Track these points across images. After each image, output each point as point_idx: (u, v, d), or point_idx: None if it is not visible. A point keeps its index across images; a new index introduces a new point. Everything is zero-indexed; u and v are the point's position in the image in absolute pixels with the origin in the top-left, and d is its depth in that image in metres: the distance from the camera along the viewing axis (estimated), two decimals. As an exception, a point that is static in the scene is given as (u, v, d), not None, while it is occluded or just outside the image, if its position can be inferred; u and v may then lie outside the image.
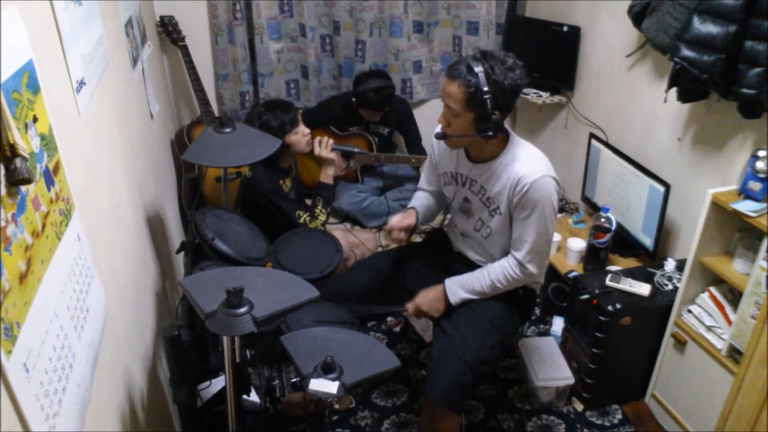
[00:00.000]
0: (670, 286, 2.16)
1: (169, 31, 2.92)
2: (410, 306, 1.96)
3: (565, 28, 2.93)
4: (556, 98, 3.09)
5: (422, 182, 2.17)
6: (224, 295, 1.19)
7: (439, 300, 1.92)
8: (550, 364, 2.28)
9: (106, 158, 1.57)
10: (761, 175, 1.76)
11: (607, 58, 2.74)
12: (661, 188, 2.26)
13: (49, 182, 1.04)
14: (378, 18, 3.23)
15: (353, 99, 3.10)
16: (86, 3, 1.52)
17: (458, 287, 1.92)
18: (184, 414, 1.62)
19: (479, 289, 1.89)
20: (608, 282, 2.16)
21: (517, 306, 1.96)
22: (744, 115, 1.95)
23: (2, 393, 0.80)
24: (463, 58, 1.70)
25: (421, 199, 2.14)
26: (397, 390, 2.37)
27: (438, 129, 1.85)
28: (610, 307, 2.06)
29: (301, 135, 2.43)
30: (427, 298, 1.94)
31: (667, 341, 2.12)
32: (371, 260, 2.28)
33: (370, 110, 3.12)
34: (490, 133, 1.71)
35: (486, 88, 1.64)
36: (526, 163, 1.78)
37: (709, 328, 1.95)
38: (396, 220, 2.00)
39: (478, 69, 1.64)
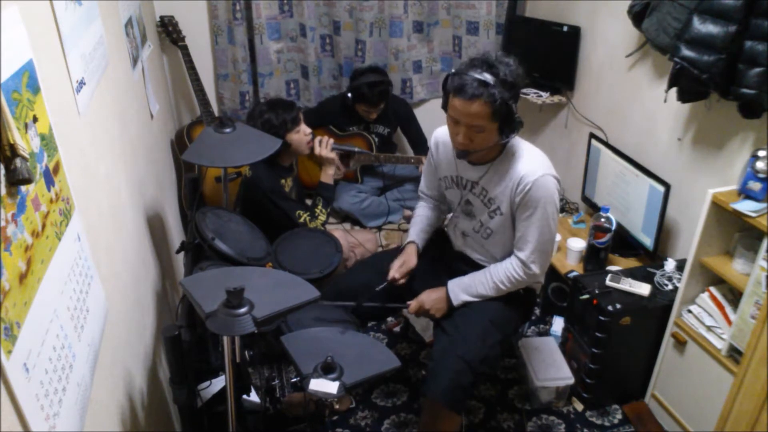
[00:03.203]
0: (670, 286, 2.16)
1: (169, 31, 2.92)
2: (413, 303, 1.96)
3: (565, 28, 2.93)
4: (556, 98, 3.09)
5: (422, 186, 2.17)
6: (224, 295, 1.19)
7: (442, 300, 1.93)
8: (550, 364, 2.28)
9: (106, 158, 1.57)
10: (761, 175, 1.76)
11: (607, 58, 2.74)
12: (661, 188, 2.26)
13: (49, 182, 1.04)
14: (378, 18, 3.23)
15: (349, 94, 3.10)
16: (86, 3, 1.52)
17: (461, 290, 1.92)
18: (184, 414, 1.62)
19: (483, 292, 1.89)
20: (608, 282, 2.16)
21: (518, 306, 1.96)
22: (744, 115, 1.95)
23: (2, 393, 0.80)
24: (467, 75, 1.62)
25: (421, 222, 2.12)
26: (397, 390, 2.37)
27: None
28: (610, 307, 2.06)
29: (302, 134, 2.43)
30: (430, 298, 1.94)
31: (667, 341, 2.12)
32: (371, 260, 2.28)
33: (366, 106, 3.09)
34: (514, 133, 1.72)
35: (505, 95, 1.62)
36: (527, 162, 1.77)
37: (709, 328, 1.95)
38: (396, 269, 1.99)
39: (490, 79, 1.61)
